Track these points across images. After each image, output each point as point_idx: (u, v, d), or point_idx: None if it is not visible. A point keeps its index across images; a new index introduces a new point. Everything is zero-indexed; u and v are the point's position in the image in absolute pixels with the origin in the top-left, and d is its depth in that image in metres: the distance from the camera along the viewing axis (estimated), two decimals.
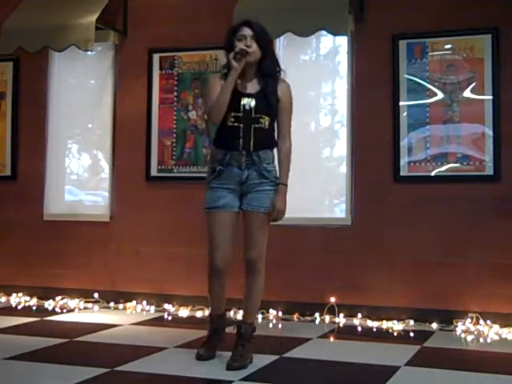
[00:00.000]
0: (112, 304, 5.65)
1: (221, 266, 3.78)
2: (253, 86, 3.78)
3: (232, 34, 3.76)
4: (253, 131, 3.72)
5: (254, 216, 3.76)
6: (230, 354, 3.77)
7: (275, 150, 3.84)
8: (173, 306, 5.53)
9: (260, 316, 5.13)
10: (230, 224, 3.77)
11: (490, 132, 5.04)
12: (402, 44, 5.23)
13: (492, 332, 4.71)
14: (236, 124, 3.73)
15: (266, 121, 3.74)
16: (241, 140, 3.72)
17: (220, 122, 3.77)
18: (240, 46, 3.68)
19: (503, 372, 3.72)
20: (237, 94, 3.73)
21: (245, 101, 3.73)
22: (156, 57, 5.86)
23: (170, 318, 5.30)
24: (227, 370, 3.64)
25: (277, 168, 3.83)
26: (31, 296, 5.91)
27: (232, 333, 3.90)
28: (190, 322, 5.14)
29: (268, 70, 3.77)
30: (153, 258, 5.75)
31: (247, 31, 3.72)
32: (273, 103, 3.74)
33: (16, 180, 6.24)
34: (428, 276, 5.08)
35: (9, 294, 5.99)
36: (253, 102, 3.73)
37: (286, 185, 3.77)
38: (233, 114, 3.73)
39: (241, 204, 3.79)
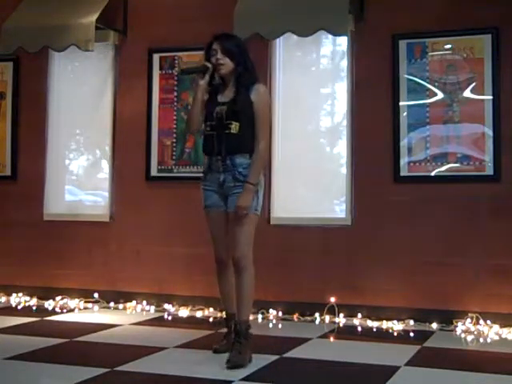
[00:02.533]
0: (112, 304, 5.65)
1: (222, 256, 4.04)
2: (228, 95, 3.97)
3: (207, 51, 3.97)
4: (225, 137, 3.90)
5: (231, 216, 3.93)
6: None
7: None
8: (173, 306, 5.53)
9: (260, 316, 5.14)
10: (220, 221, 4.01)
11: (490, 132, 5.04)
12: (402, 44, 5.23)
13: (492, 332, 4.71)
14: (211, 132, 3.96)
15: (235, 126, 3.89)
16: (215, 147, 3.93)
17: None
18: (204, 62, 3.92)
19: (503, 372, 3.72)
20: (213, 104, 3.96)
21: (217, 109, 3.93)
22: (156, 57, 5.86)
23: (170, 317, 5.29)
24: (226, 367, 3.68)
25: None
26: (31, 296, 5.91)
27: None
28: (190, 322, 5.14)
29: (240, 78, 3.95)
30: (153, 258, 5.75)
31: (216, 46, 3.94)
32: (239, 109, 3.89)
33: (16, 180, 6.24)
34: (428, 276, 5.08)
35: (9, 294, 5.99)
36: (224, 110, 3.92)
37: (253, 184, 3.85)
38: (208, 122, 3.97)
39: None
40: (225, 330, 4.16)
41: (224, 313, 4.20)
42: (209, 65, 3.90)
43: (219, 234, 4.02)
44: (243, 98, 3.89)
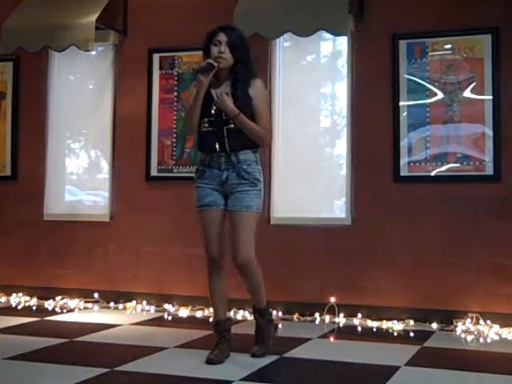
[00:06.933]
0: (112, 304, 5.66)
1: (215, 255, 3.89)
2: (224, 90, 3.85)
3: (209, 39, 3.86)
4: (226, 133, 3.81)
5: (235, 215, 3.85)
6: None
7: (259, 151, 3.95)
8: (173, 306, 5.53)
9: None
10: (218, 220, 3.90)
11: (490, 132, 5.04)
12: (402, 44, 5.23)
13: (492, 332, 4.70)
14: (210, 129, 3.85)
15: None
16: (217, 143, 3.83)
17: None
18: (212, 55, 3.79)
19: (503, 372, 3.72)
20: (209, 100, 3.84)
21: (215, 105, 3.82)
22: (156, 57, 5.86)
23: (169, 318, 5.29)
24: (251, 355, 3.89)
25: (258, 169, 3.89)
26: (31, 296, 5.91)
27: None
28: (190, 321, 5.14)
29: (239, 75, 3.84)
30: (153, 258, 5.75)
31: (222, 37, 3.82)
32: (241, 104, 3.78)
33: (16, 180, 6.24)
34: (428, 276, 5.08)
35: (9, 294, 5.99)
36: None
37: (238, 117, 3.74)
38: (206, 119, 3.85)
39: (226, 204, 3.89)
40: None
41: (215, 319, 3.96)
42: (215, 64, 3.77)
43: (214, 233, 3.88)
44: (242, 93, 3.81)
